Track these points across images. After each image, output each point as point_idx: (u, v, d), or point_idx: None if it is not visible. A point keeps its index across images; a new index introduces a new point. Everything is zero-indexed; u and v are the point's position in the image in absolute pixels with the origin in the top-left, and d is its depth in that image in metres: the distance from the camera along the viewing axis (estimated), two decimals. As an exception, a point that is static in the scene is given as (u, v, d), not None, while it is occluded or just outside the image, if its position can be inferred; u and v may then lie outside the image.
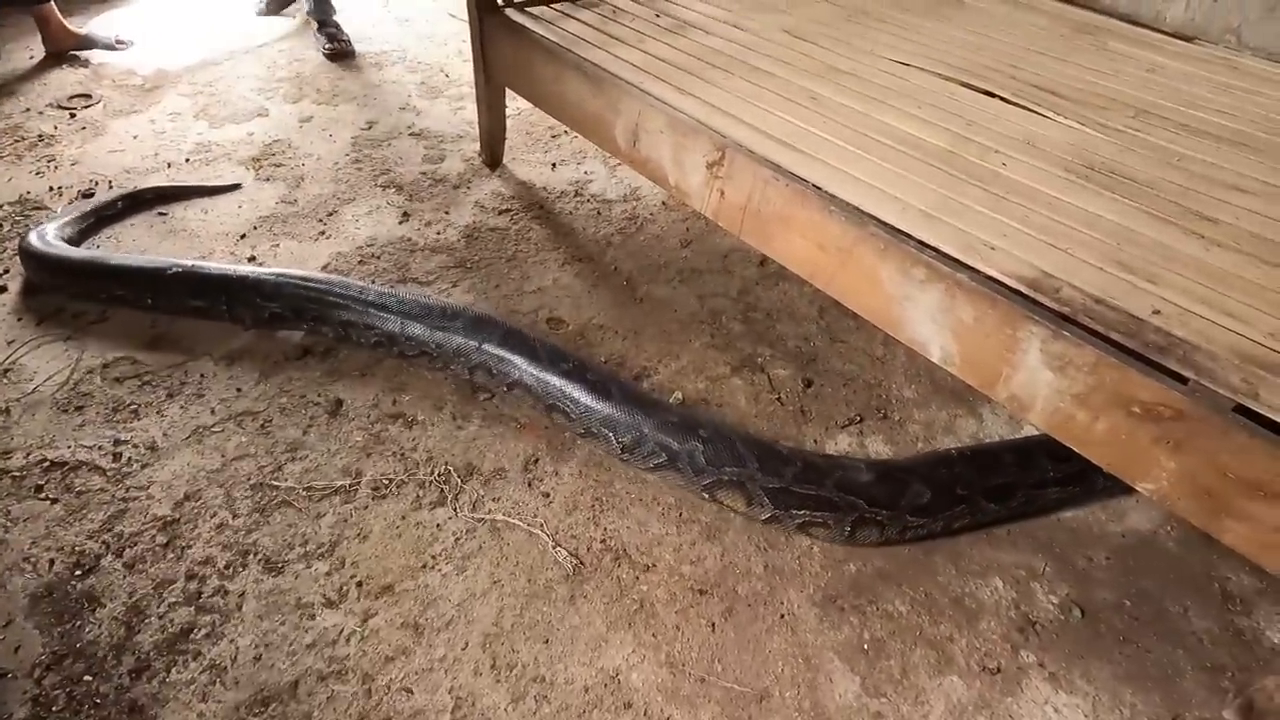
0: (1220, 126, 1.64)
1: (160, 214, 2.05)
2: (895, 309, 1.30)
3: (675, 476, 1.39)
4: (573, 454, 1.48)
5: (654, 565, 1.30)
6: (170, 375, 1.57)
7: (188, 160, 2.27)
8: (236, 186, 2.14)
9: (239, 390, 1.55)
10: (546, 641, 1.19)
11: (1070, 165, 1.45)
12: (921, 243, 1.23)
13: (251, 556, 1.27)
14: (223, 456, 1.42)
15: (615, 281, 1.93)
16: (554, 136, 2.55)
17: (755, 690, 1.15)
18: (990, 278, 1.16)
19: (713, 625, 1.23)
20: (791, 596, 1.27)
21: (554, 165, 2.40)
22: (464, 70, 2.89)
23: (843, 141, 1.48)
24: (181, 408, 1.51)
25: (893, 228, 1.26)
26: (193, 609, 1.19)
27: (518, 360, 1.50)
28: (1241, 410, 0.95)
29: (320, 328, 1.63)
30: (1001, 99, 1.69)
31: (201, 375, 1.58)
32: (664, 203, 2.24)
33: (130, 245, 1.94)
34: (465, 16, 2.08)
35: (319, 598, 1.22)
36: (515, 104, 2.72)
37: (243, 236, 1.99)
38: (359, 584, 1.24)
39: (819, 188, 1.35)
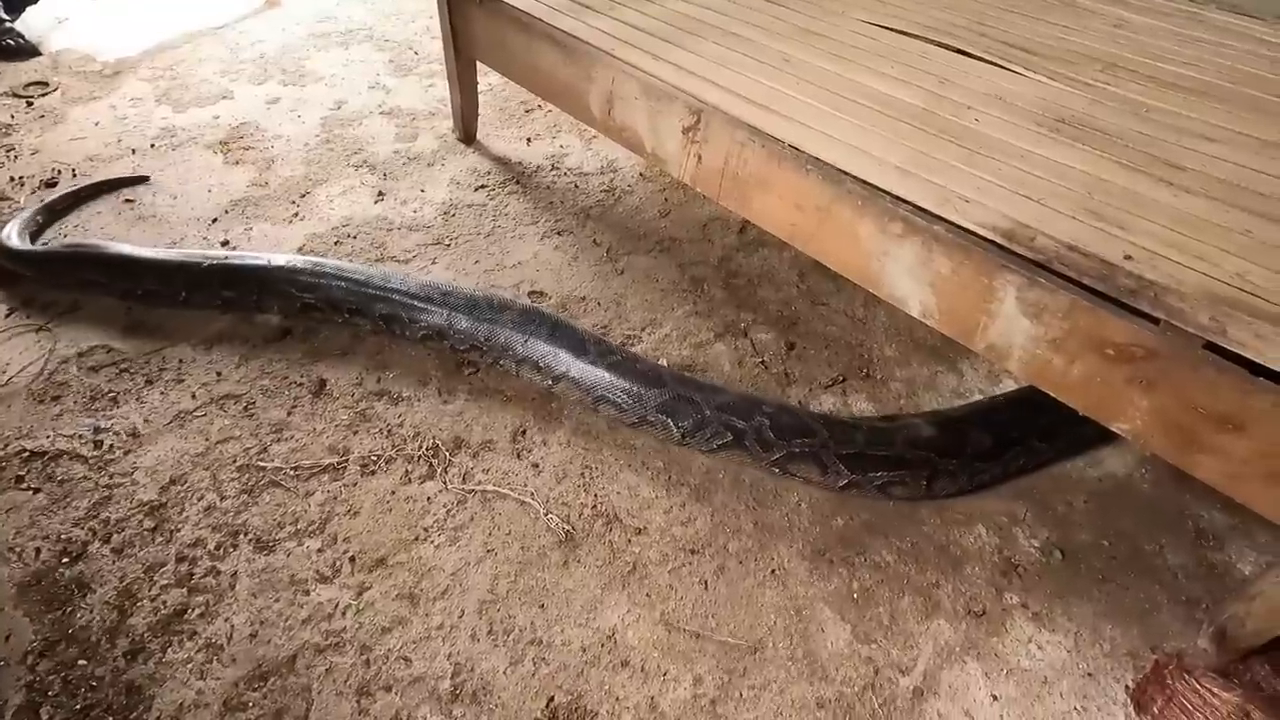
0: (1187, 78, 1.67)
1: (128, 200, 2.00)
2: (874, 265, 1.31)
3: (741, 455, 1.39)
4: (560, 424, 1.49)
5: (645, 528, 1.32)
6: (148, 362, 1.55)
7: (153, 145, 2.22)
8: (145, 179, 2.07)
9: (219, 374, 1.54)
10: (542, 606, 1.20)
11: (1041, 119, 1.47)
12: (897, 198, 1.24)
13: (242, 537, 1.26)
14: (207, 440, 1.41)
15: (596, 253, 1.93)
16: (527, 111, 2.53)
17: (749, 643, 1.17)
18: (966, 230, 1.17)
19: (705, 583, 1.25)
20: (782, 551, 1.30)
21: (529, 140, 2.38)
22: (433, 47, 2.85)
23: (817, 102, 1.48)
24: (161, 393, 1.49)
25: (869, 184, 1.26)
26: (185, 590, 1.19)
27: (564, 355, 1.48)
28: (1211, 348, 0.98)
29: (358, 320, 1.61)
30: (973, 56, 1.69)
31: (180, 361, 1.56)
32: (641, 174, 2.24)
33: (99, 234, 1.90)
34: (432, -10, 2.04)
35: (312, 574, 1.22)
36: (487, 79, 2.69)
37: (214, 221, 1.95)
38: (352, 559, 1.24)
39: (795, 148, 1.35)
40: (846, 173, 1.29)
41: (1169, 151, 1.38)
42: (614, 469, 1.41)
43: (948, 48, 1.73)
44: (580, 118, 1.79)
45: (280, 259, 1.64)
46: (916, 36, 1.77)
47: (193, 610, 1.16)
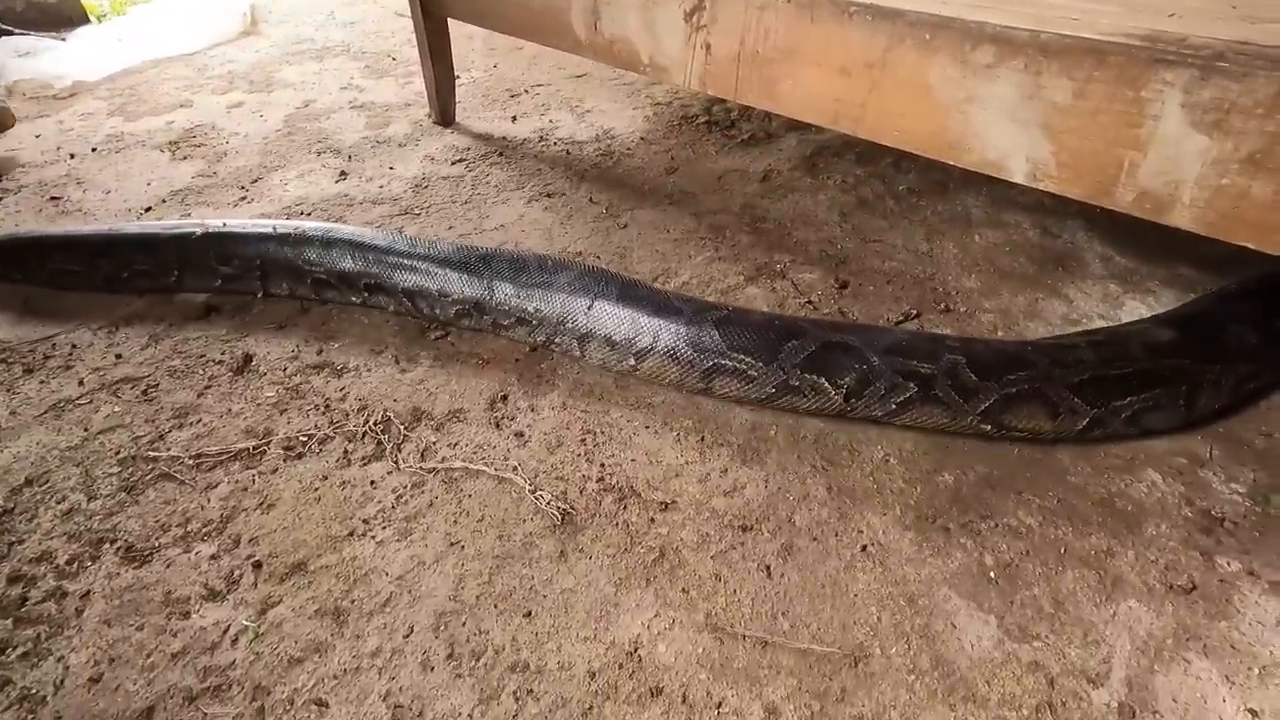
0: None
1: (53, 198, 1.74)
2: (954, 123, 0.97)
3: (937, 412, 0.98)
4: (552, 385, 1.13)
5: (674, 502, 0.94)
6: (33, 350, 1.23)
7: (94, 150, 1.98)
8: None
9: (119, 356, 1.21)
10: (528, 614, 0.81)
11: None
12: (980, 22, 0.92)
13: (107, 546, 0.90)
14: (86, 431, 1.06)
15: (593, 211, 1.61)
16: (513, 96, 2.28)
17: (845, 649, 0.77)
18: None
19: (767, 569, 0.85)
20: (873, 522, 0.90)
21: (515, 118, 2.11)
22: (411, 54, 2.64)
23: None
24: (41, 382, 1.16)
25: (937, 16, 0.95)
26: (9, 623, 0.82)
27: (648, 320, 1.07)
28: None
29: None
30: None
31: (73, 346, 1.23)
32: (643, 138, 1.95)
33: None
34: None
35: (198, 589, 0.85)
36: (469, 73, 2.47)
37: (148, 209, 1.67)
38: (256, 565, 0.87)
39: (831, -3, 1.05)
40: (902, 10, 0.98)
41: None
42: (626, 432, 1.04)
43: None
44: (564, 46, 1.51)
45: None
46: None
47: (13, 649, 0.79)
